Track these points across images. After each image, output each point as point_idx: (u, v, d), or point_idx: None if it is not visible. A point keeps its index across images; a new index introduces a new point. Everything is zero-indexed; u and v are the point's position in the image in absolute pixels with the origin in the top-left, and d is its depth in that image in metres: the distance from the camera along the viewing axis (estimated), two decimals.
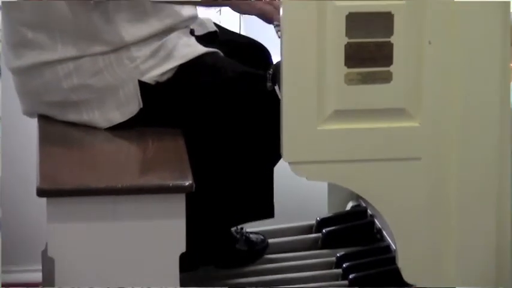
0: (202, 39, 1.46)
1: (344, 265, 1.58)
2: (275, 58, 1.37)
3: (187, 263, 1.31)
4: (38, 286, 1.76)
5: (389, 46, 1.11)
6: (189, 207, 1.21)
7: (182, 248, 1.21)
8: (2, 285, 1.69)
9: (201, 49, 1.38)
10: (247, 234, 1.61)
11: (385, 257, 1.57)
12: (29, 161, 1.59)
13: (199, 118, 1.38)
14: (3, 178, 1.68)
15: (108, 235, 1.21)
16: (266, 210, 1.51)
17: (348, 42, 1.10)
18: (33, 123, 1.47)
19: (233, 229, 1.58)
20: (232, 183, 1.43)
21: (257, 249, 1.61)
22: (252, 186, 1.46)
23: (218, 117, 1.38)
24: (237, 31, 1.91)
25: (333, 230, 1.71)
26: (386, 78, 1.12)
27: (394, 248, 1.30)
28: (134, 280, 1.21)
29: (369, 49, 1.11)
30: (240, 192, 1.44)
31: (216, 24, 1.57)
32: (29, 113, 1.45)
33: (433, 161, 1.17)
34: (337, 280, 1.56)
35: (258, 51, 1.57)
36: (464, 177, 1.19)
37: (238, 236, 1.58)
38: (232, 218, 1.52)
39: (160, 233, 1.22)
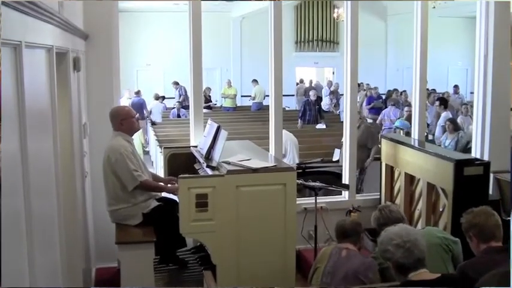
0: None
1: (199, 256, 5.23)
2: None
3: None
4: None
5: None
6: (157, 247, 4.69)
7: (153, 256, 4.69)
8: None
9: (157, 203, 4.96)
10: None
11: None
12: None
13: (157, 222, 4.89)
14: None
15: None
16: (183, 244, 5.12)
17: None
18: None
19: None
20: (170, 239, 4.94)
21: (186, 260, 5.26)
22: (176, 238, 4.95)
23: (162, 221, 4.90)
24: None
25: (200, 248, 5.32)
26: None
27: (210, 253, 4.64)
28: None
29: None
30: (174, 240, 5.00)
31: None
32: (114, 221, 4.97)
33: None
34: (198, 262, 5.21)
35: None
36: None
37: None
38: (173, 247, 5.11)
39: (147, 254, 4.65)
